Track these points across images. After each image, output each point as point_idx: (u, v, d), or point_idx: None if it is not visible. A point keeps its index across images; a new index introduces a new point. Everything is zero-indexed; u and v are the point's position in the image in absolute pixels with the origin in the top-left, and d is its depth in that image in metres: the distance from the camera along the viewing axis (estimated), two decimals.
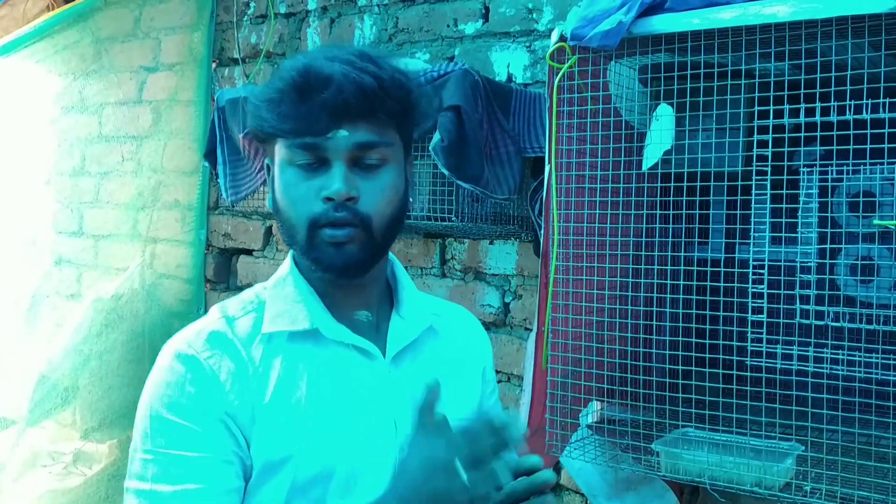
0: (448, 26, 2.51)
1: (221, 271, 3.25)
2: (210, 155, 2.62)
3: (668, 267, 1.49)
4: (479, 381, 1.29)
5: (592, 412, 1.70)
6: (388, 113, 1.07)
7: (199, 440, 1.03)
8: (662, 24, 1.44)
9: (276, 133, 1.07)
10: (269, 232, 3.06)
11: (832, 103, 1.31)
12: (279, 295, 1.14)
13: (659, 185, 1.59)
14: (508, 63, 2.37)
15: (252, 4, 3.08)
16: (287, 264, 1.18)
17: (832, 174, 1.43)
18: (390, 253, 1.22)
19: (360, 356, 1.13)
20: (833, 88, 1.30)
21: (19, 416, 3.11)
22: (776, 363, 1.41)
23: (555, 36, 1.55)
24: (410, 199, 1.22)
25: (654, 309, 1.53)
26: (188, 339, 1.09)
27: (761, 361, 1.41)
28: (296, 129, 1.05)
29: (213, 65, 3.21)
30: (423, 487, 0.95)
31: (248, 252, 3.15)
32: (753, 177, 1.40)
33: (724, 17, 1.38)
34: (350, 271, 1.09)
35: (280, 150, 1.09)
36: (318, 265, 1.09)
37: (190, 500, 1.01)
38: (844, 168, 1.39)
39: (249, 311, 1.14)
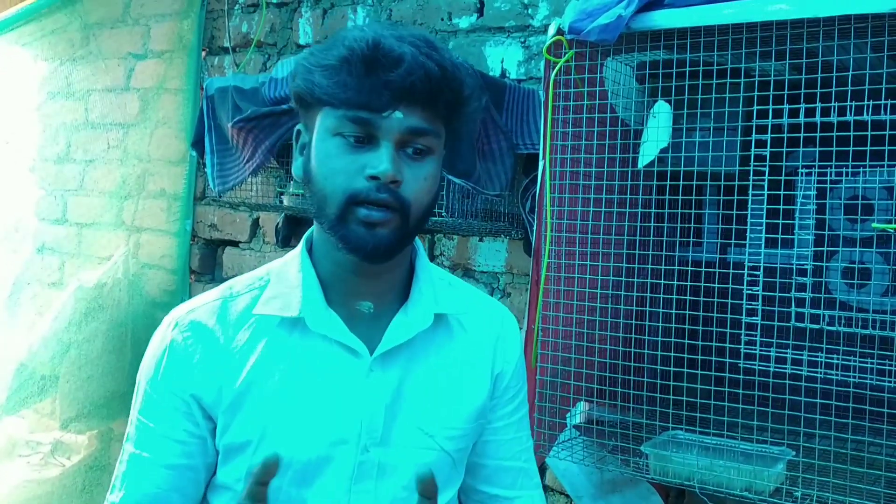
0: (442, 20, 2.48)
1: (207, 262, 3.21)
2: (198, 144, 2.58)
3: (662, 266, 1.47)
4: (486, 386, 1.20)
5: (579, 413, 1.68)
6: (444, 103, 1.05)
7: (158, 412, 1.10)
8: (662, 19, 1.42)
9: (328, 101, 1.03)
10: (255, 224, 3.02)
11: (833, 104, 1.28)
12: (282, 276, 1.13)
13: (655, 183, 1.56)
14: (502, 58, 2.34)
15: None
16: (300, 245, 1.16)
17: (831, 176, 1.41)
18: (418, 240, 1.19)
19: (343, 351, 1.10)
20: (834, 89, 1.28)
21: None
22: (769, 366, 1.39)
23: (552, 29, 1.52)
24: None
25: (647, 309, 1.50)
26: (179, 316, 1.12)
27: (754, 364, 1.39)
28: (354, 101, 1.01)
29: (203, 53, 3.16)
30: None
31: (235, 244, 3.10)
32: (751, 177, 1.38)
33: (724, 13, 1.36)
34: (377, 255, 1.05)
35: (325, 118, 1.05)
36: (345, 243, 1.05)
37: (136, 464, 1.11)
38: (843, 170, 1.37)
39: (254, 288, 1.14)
